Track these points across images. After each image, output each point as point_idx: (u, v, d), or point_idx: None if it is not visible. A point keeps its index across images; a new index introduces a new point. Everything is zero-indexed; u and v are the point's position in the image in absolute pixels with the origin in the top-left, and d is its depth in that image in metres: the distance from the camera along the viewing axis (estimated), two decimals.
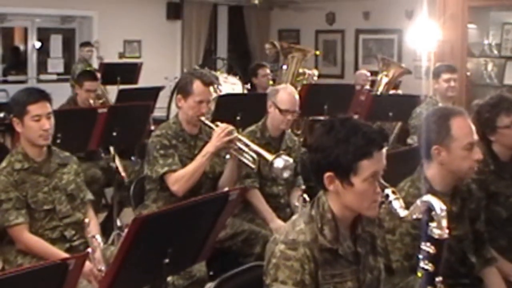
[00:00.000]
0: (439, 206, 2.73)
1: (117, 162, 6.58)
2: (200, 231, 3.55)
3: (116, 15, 13.45)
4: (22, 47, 13.49)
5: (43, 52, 13.32)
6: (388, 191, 2.80)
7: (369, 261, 2.97)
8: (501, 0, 8.77)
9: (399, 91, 10.26)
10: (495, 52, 9.88)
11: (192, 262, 3.78)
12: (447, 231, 2.75)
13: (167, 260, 3.26)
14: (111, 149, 6.53)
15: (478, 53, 9.98)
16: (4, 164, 4.31)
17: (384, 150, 2.81)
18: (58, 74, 13.01)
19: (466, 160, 3.57)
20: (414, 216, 2.77)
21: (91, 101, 7.84)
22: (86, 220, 4.34)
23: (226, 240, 5.07)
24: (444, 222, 2.73)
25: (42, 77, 12.95)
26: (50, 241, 4.22)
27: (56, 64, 13.26)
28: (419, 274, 2.78)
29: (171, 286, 4.21)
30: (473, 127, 3.63)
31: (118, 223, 6.35)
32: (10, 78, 12.97)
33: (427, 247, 2.75)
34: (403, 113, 7.37)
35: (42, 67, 13.20)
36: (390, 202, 2.79)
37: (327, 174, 2.80)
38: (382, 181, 2.82)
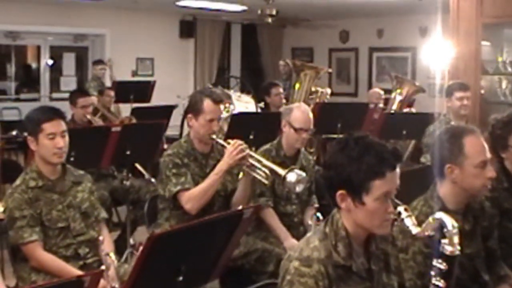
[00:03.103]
0: (450, 223, 2.76)
1: (139, 167, 6.66)
2: (213, 249, 3.55)
3: (129, 33, 13.55)
4: (34, 65, 13.60)
5: (56, 70, 13.44)
6: (400, 208, 2.80)
7: (382, 278, 2.97)
8: None
9: (413, 109, 10.21)
10: (509, 69, 9.82)
11: (206, 280, 3.76)
12: (458, 247, 2.76)
13: (181, 278, 3.25)
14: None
15: (492, 71, 9.92)
16: (18, 182, 4.33)
17: (398, 170, 2.80)
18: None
19: (479, 178, 3.55)
20: (426, 233, 2.78)
21: (89, 117, 7.85)
22: (100, 238, 4.33)
23: (240, 258, 5.05)
24: (456, 239, 2.75)
25: (55, 95, 13.04)
26: (64, 259, 4.24)
27: (68, 82, 13.35)
28: None
29: None
30: (486, 146, 3.62)
31: (131, 241, 6.33)
32: (22, 96, 13.06)
33: (439, 264, 2.77)
34: (416, 131, 7.35)
35: (54, 85, 13.31)
36: (403, 219, 2.80)
37: (340, 192, 2.80)
38: (395, 199, 2.81)
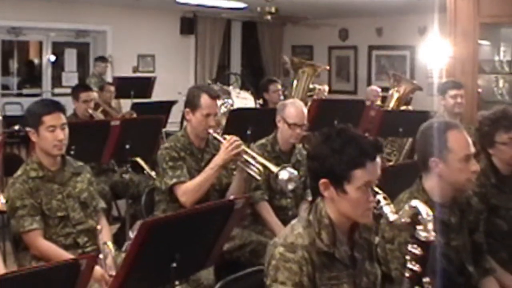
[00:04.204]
0: (425, 211, 2.85)
1: (140, 162, 6.84)
2: (206, 238, 3.65)
3: (130, 29, 13.62)
4: (37, 61, 13.62)
5: (58, 66, 13.47)
6: (379, 197, 2.92)
7: (365, 266, 3.09)
8: None
9: (410, 107, 10.27)
10: (506, 68, 9.87)
11: (199, 268, 3.88)
12: (433, 233, 2.85)
13: (174, 265, 3.36)
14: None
15: (489, 70, 9.98)
16: (19, 172, 4.45)
17: (378, 161, 2.92)
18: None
19: (463, 172, 3.62)
20: (403, 220, 2.88)
21: (90, 111, 7.96)
22: (99, 227, 4.46)
23: (235, 251, 5.16)
24: (430, 226, 2.84)
25: (57, 90, 13.08)
26: (63, 247, 4.34)
27: (70, 78, 13.38)
28: (407, 275, 2.89)
29: None
30: (470, 140, 3.69)
31: (131, 235, 6.41)
32: (25, 91, 13.10)
33: (414, 249, 2.87)
34: (413, 129, 7.31)
35: (56, 81, 13.35)
36: (381, 207, 2.90)
37: (322, 180, 2.93)
38: (375, 188, 2.93)
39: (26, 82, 13.40)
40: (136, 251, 3.19)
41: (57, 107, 4.45)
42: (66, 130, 4.44)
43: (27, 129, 4.47)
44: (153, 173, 6.90)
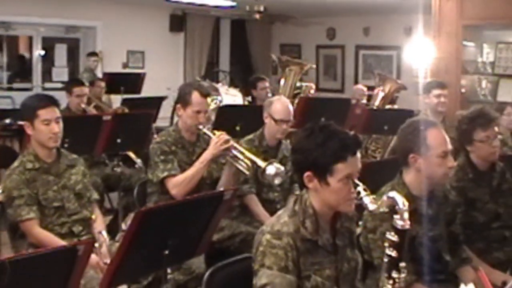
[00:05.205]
0: (402, 201, 3.04)
1: (131, 155, 6.99)
2: (197, 226, 3.83)
3: (120, 26, 13.65)
4: (27, 56, 13.66)
5: (48, 61, 13.47)
6: (360, 188, 3.10)
7: (346, 253, 3.29)
8: (494, 19, 8.98)
9: (395, 106, 10.40)
10: (489, 69, 10.07)
11: (190, 256, 4.05)
12: (408, 222, 3.04)
13: (167, 252, 3.54)
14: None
15: (472, 71, 10.14)
16: (16, 164, 4.59)
17: (358, 155, 3.12)
18: (63, 82, 13.05)
19: (440, 167, 3.83)
20: (381, 209, 3.08)
21: (83, 106, 8.09)
22: (94, 217, 4.66)
23: (225, 241, 5.33)
24: (406, 215, 3.03)
25: (47, 85, 13.11)
26: (59, 236, 4.47)
27: (60, 72, 13.42)
28: (385, 260, 3.09)
29: (172, 281, 4.44)
30: (447, 138, 3.89)
31: (123, 227, 6.54)
32: (15, 85, 13.14)
33: (391, 236, 3.07)
34: (397, 127, 7.42)
35: (46, 75, 13.36)
36: (362, 198, 3.09)
37: (307, 173, 3.13)
38: (356, 180, 3.11)
39: (16, 76, 13.40)
40: (131, 238, 3.35)
41: (52, 101, 4.60)
42: (61, 123, 4.58)
43: (22, 122, 4.62)
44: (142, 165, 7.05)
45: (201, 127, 5.20)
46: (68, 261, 3.10)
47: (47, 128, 4.49)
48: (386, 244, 3.09)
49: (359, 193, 3.09)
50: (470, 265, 4.15)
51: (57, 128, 4.54)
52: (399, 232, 3.04)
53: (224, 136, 5.08)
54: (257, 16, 12.81)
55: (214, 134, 5.14)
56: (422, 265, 3.63)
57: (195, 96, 5.15)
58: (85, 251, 3.13)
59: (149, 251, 3.53)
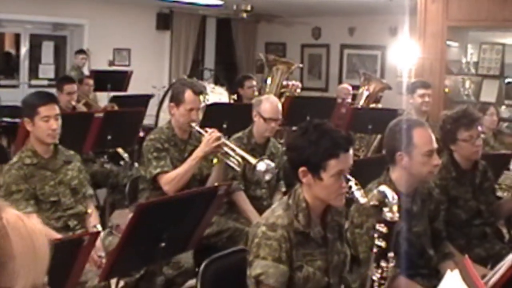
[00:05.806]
0: (391, 195, 3.21)
1: (119, 150, 7.04)
2: (192, 220, 3.98)
3: (107, 24, 13.69)
4: (13, 53, 13.69)
5: (35, 58, 13.48)
6: (351, 183, 3.26)
7: (336, 246, 3.45)
8: (479, 21, 9.13)
9: (379, 105, 10.50)
10: (473, 70, 10.22)
11: (184, 249, 4.22)
12: (397, 214, 3.21)
13: (163, 244, 3.67)
14: None
15: (456, 71, 10.29)
16: (15, 159, 4.71)
17: (350, 152, 3.28)
18: (49, 79, 13.13)
19: (426, 165, 3.98)
20: (372, 203, 3.24)
21: (73, 103, 8.16)
22: (89, 211, 4.80)
23: (212, 236, 5.43)
24: (395, 208, 3.21)
25: (34, 82, 13.10)
26: (55, 230, 4.54)
27: (47, 70, 13.42)
28: (375, 250, 3.27)
29: (162, 275, 4.55)
30: (433, 137, 4.04)
31: (110, 224, 6.64)
32: (1, 82, 13.13)
33: (381, 228, 3.25)
34: (382, 126, 7.48)
35: (33, 72, 13.35)
36: (353, 192, 3.24)
37: (301, 169, 3.27)
38: (347, 175, 3.27)
39: (2, 73, 13.42)
40: (132, 229, 3.49)
41: (52, 99, 4.75)
42: (60, 120, 4.70)
43: (18, 120, 4.75)
44: (136, 164, 7.12)
45: (193, 124, 5.30)
46: (73, 250, 3.25)
47: (46, 124, 4.61)
48: (376, 235, 3.26)
49: (350, 187, 3.24)
50: (452, 260, 4.28)
51: (56, 124, 4.66)
52: (388, 223, 3.22)
53: (215, 133, 5.18)
54: (244, 15, 12.89)
55: (206, 131, 5.24)
56: (406, 260, 3.77)
57: (188, 94, 5.26)
58: (90, 241, 3.27)
59: (147, 243, 3.67)
